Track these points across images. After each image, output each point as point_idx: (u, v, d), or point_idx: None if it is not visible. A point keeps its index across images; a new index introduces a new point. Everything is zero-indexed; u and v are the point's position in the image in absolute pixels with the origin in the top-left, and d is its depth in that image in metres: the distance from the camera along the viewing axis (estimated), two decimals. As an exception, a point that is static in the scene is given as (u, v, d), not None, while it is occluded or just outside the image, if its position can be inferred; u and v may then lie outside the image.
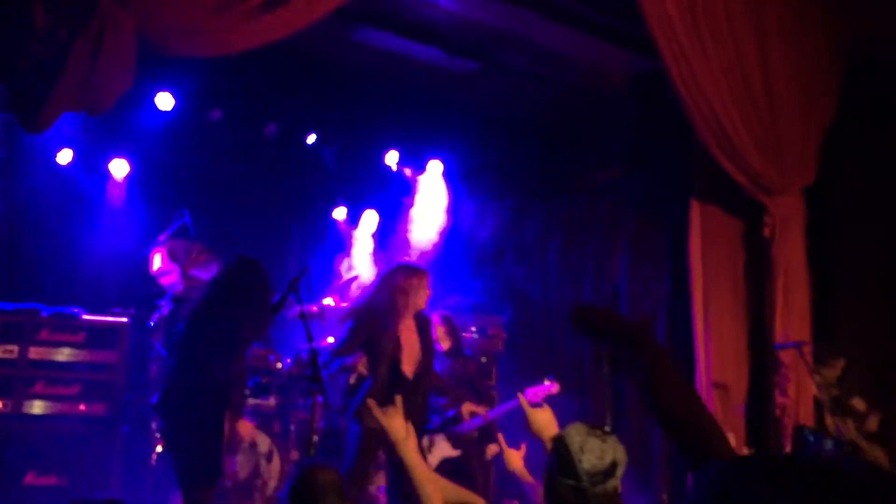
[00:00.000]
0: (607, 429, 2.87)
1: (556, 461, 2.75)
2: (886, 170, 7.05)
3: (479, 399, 6.50)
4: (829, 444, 6.22)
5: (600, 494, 2.67)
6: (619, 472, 2.73)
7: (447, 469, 6.05)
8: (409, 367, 5.84)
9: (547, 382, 6.59)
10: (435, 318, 7.19)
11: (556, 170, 8.40)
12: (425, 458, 5.87)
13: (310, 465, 3.27)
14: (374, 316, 5.78)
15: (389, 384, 5.63)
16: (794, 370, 6.74)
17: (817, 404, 6.78)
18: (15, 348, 5.84)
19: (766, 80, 6.55)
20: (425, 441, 6.00)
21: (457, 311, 8.34)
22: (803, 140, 6.80)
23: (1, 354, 5.75)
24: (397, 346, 5.78)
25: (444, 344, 7.08)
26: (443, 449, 6.04)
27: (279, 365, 6.99)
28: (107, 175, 7.27)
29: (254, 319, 5.21)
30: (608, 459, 2.70)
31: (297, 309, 5.17)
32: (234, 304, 5.07)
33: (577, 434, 2.74)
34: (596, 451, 2.70)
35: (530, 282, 8.43)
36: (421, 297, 5.89)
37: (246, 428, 5.48)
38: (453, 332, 7.11)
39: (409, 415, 5.86)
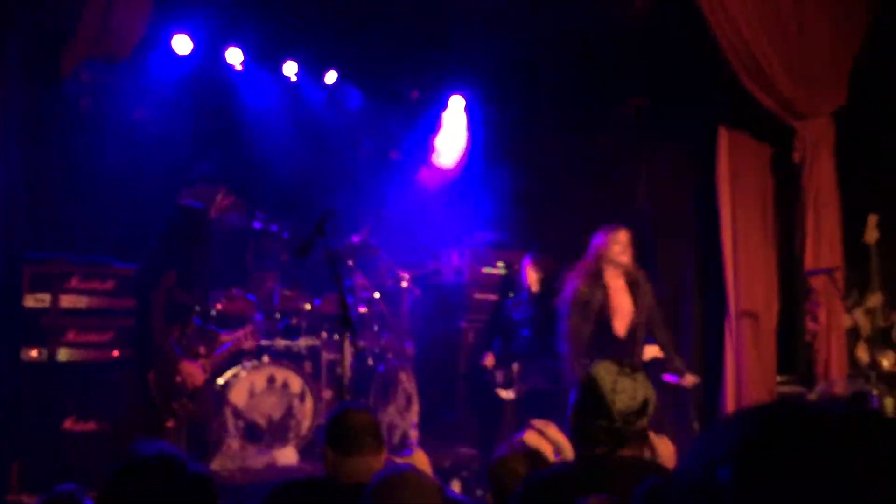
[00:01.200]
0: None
1: (587, 403, 2.71)
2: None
3: None
4: None
5: (632, 434, 2.64)
6: (651, 410, 2.70)
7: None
8: (621, 324, 6.00)
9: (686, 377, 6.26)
10: (525, 262, 7.26)
11: (578, 102, 8.23)
12: None
13: (345, 408, 3.29)
14: (585, 280, 5.99)
15: (599, 343, 5.82)
16: (826, 296, 6.68)
17: (850, 332, 6.73)
18: (47, 297, 5.88)
19: (794, 1, 6.39)
20: None
21: (480, 247, 8.31)
22: (833, 62, 6.65)
23: (33, 303, 5.78)
24: (605, 306, 5.94)
25: (535, 287, 7.09)
26: None
27: (308, 306, 7.02)
28: (132, 121, 7.23)
29: (182, 264, 5.48)
30: (640, 398, 2.66)
31: (324, 251, 5.13)
32: (161, 250, 5.42)
33: (607, 374, 2.69)
34: (628, 391, 2.65)
35: (554, 216, 8.33)
36: (614, 253, 6.00)
37: (188, 369, 5.36)
38: (546, 276, 7.06)
39: None
